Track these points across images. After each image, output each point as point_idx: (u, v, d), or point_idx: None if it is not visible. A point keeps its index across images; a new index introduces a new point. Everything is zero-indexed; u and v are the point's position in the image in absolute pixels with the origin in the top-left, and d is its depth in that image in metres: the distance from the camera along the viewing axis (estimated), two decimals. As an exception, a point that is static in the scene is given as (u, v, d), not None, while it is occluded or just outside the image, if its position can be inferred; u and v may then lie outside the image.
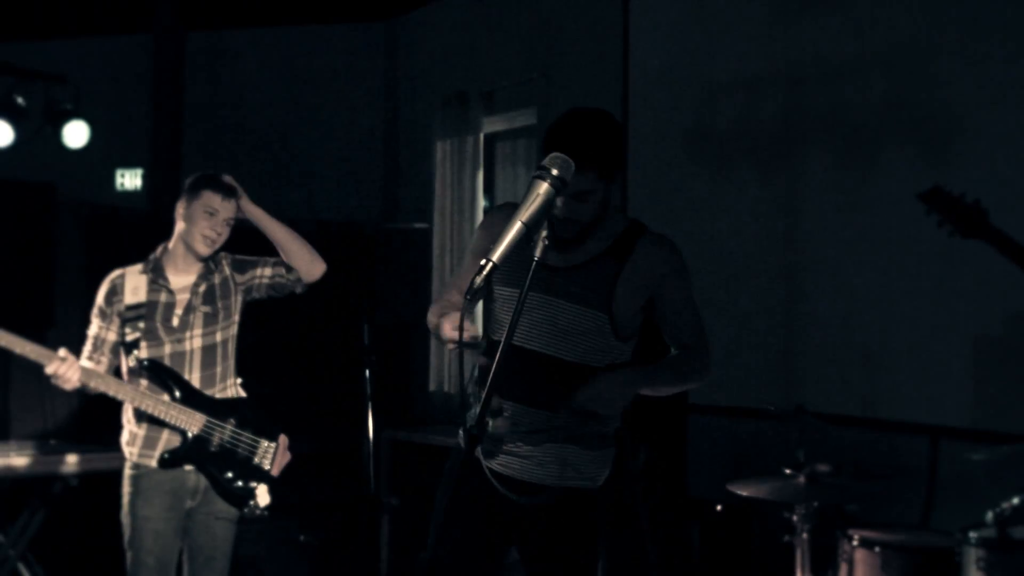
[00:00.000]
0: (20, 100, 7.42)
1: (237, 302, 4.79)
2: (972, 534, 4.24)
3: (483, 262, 2.80)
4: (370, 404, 5.83)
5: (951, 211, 4.02)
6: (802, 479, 4.75)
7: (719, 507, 5.57)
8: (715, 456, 6.10)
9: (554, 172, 2.89)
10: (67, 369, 4.40)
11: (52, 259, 7.43)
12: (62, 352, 4.42)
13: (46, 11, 9.11)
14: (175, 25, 8.68)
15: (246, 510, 4.71)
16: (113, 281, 4.69)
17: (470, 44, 8.40)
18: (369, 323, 6.00)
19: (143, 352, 4.59)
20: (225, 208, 4.65)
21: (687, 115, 6.70)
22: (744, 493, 4.75)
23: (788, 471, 4.79)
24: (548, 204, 2.89)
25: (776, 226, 6.18)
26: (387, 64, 9.21)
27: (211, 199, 4.61)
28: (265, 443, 4.76)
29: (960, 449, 5.00)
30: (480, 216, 8.18)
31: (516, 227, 2.83)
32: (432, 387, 8.11)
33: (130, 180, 9.35)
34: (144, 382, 4.60)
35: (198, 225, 4.61)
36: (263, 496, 4.75)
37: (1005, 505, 4.24)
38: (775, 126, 6.25)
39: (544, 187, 2.88)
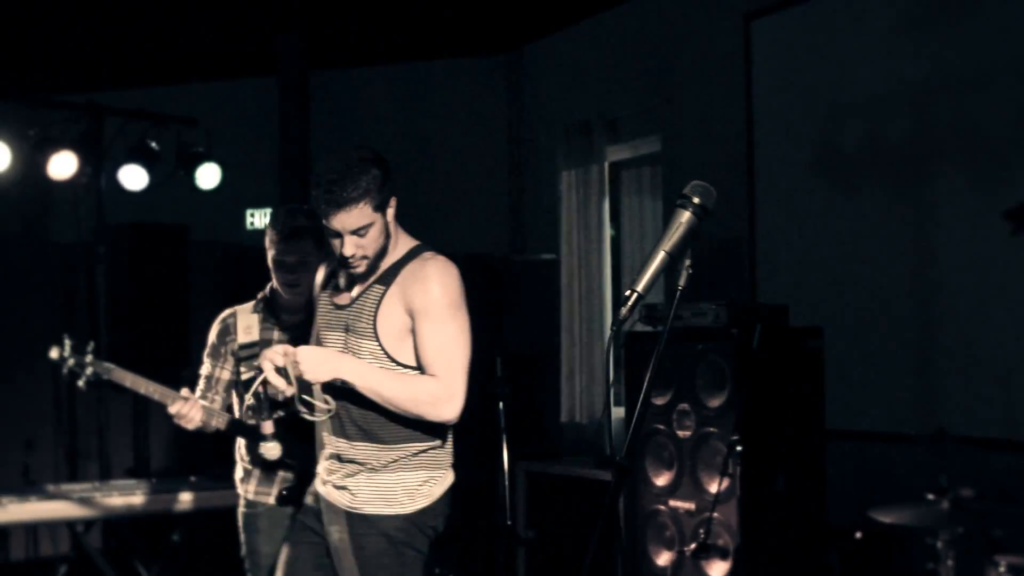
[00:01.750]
0: (154, 144, 7.57)
1: None
2: None
3: (628, 292, 2.78)
4: (504, 436, 5.84)
5: None
6: (946, 504, 4.64)
7: (859, 534, 5.47)
8: (854, 482, 6.01)
9: (695, 200, 2.87)
10: (189, 408, 4.42)
11: (186, 299, 7.58)
12: (184, 392, 4.46)
13: (176, 57, 9.32)
14: (300, 65, 8.81)
15: None
16: (225, 320, 4.73)
17: (592, 73, 8.41)
18: (501, 355, 6.01)
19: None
20: (292, 256, 4.53)
21: (813, 136, 6.64)
22: (885, 520, 4.65)
23: (931, 496, 4.68)
24: (691, 232, 2.87)
25: (907, 246, 6.09)
26: (510, 96, 9.25)
27: (282, 249, 4.53)
28: None
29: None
30: (608, 245, 8.17)
31: (660, 256, 2.82)
32: (564, 418, 8.09)
33: (260, 219, 9.50)
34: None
35: (273, 274, 4.61)
36: None
37: None
38: (903, 144, 6.16)
39: (686, 215, 2.87)
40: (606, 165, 8.14)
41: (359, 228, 3.74)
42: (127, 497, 6.21)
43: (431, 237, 5.84)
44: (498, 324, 7.88)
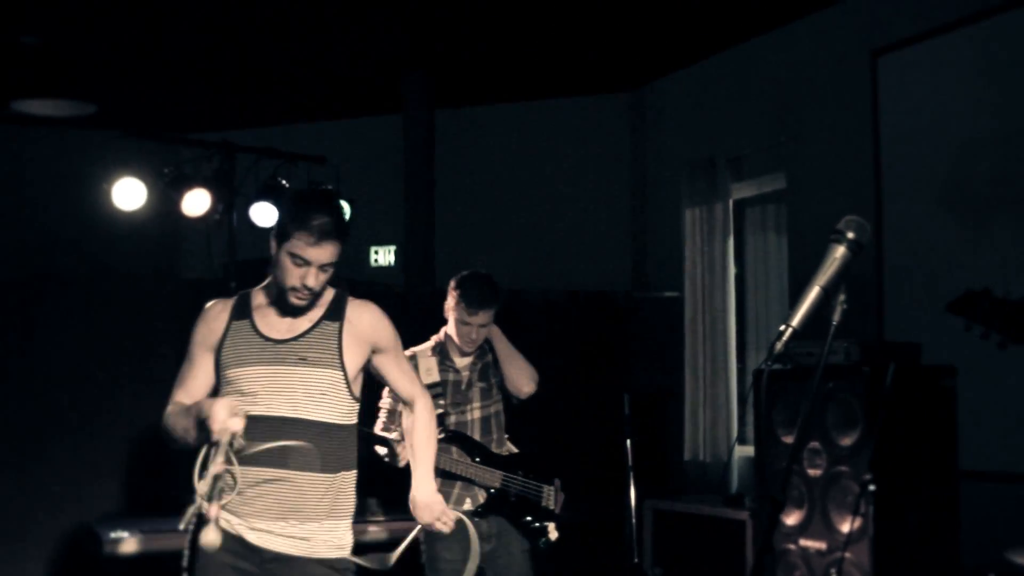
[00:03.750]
0: (284, 182, 7.68)
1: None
2: None
3: (783, 328, 2.79)
4: (631, 473, 5.85)
5: (994, 317, 3.50)
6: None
7: (992, 576, 5.39)
8: (989, 523, 5.91)
9: (849, 235, 2.87)
10: (405, 451, 4.86)
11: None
12: (395, 435, 5.04)
13: (306, 96, 9.49)
14: (425, 103, 8.91)
15: (542, 543, 5.27)
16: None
17: (716, 111, 8.41)
18: (629, 392, 6.03)
19: (450, 423, 5.17)
20: (476, 319, 5.22)
21: (941, 172, 6.57)
22: (1023, 562, 4.58)
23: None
24: (845, 267, 2.87)
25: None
26: (633, 133, 9.28)
27: (463, 313, 5.21)
28: (547, 488, 5.34)
29: None
30: (731, 283, 8.15)
31: (815, 292, 2.82)
32: (687, 456, 8.07)
33: (384, 256, 9.61)
34: (454, 448, 5.18)
35: (456, 331, 5.26)
36: (553, 531, 5.30)
37: None
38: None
39: (841, 250, 2.87)
40: (730, 202, 8.12)
41: (329, 263, 3.84)
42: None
43: (554, 275, 5.91)
44: (623, 362, 7.90)
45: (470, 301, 5.19)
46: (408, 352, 5.04)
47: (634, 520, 5.80)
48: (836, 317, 2.87)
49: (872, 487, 5.26)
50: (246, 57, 8.54)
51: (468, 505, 5.19)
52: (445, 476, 5.13)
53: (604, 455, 6.01)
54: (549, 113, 9.50)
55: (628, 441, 5.86)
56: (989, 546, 5.00)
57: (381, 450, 5.08)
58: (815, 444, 5.57)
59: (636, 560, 5.88)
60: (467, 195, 9.40)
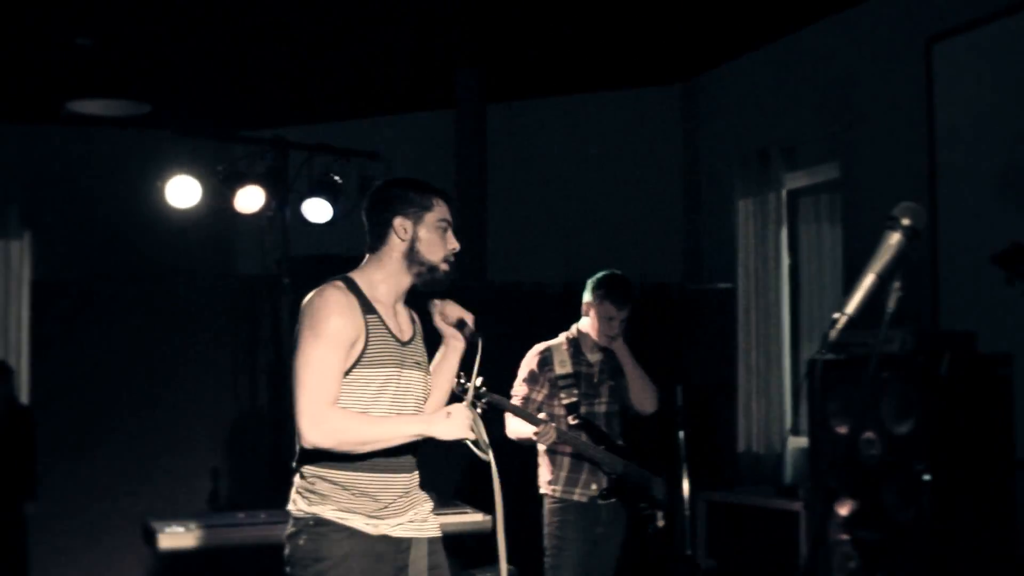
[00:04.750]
0: (337, 178, 7.71)
1: None
2: None
3: (837, 315, 2.78)
4: (685, 465, 5.85)
5: None
6: None
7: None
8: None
9: (904, 222, 2.86)
10: (549, 430, 5.42)
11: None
12: (542, 415, 5.50)
13: (358, 92, 9.54)
14: (477, 98, 8.94)
15: (651, 528, 5.73)
16: (543, 354, 5.71)
17: (769, 100, 8.37)
18: (681, 384, 6.03)
19: (583, 411, 5.62)
20: (620, 314, 5.66)
21: (998, 160, 6.51)
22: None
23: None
24: (901, 254, 2.85)
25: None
26: (686, 124, 9.26)
27: (610, 309, 5.64)
28: (656, 478, 5.79)
29: None
30: (785, 274, 8.11)
31: (870, 279, 2.81)
32: (741, 448, 8.04)
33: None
34: (583, 434, 5.62)
35: (599, 326, 5.67)
36: (660, 519, 5.73)
37: None
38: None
39: (896, 237, 2.85)
40: (784, 193, 8.08)
41: None
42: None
43: (606, 267, 5.94)
44: (676, 354, 7.89)
45: (616, 297, 5.63)
46: (543, 345, 5.73)
47: (688, 511, 5.81)
48: (891, 305, 2.85)
49: (927, 477, 5.24)
50: (298, 54, 8.59)
51: (594, 488, 5.61)
52: (576, 458, 5.60)
53: (658, 447, 6.01)
54: (601, 106, 9.49)
55: (680, 433, 5.87)
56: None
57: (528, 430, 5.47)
58: (870, 434, 5.54)
59: (689, 551, 5.89)
60: (519, 189, 9.41)
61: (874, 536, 5.54)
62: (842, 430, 5.68)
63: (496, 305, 7.26)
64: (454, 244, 3.90)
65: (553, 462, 5.66)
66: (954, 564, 5.35)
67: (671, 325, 7.97)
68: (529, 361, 5.75)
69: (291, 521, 3.80)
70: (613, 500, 5.65)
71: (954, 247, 6.70)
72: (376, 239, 3.91)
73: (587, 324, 5.76)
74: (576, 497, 5.61)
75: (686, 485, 5.81)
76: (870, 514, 5.57)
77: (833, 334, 2.77)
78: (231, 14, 7.69)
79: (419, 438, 3.74)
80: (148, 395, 7.62)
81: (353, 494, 3.73)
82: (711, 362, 8.19)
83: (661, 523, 5.75)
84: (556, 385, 5.65)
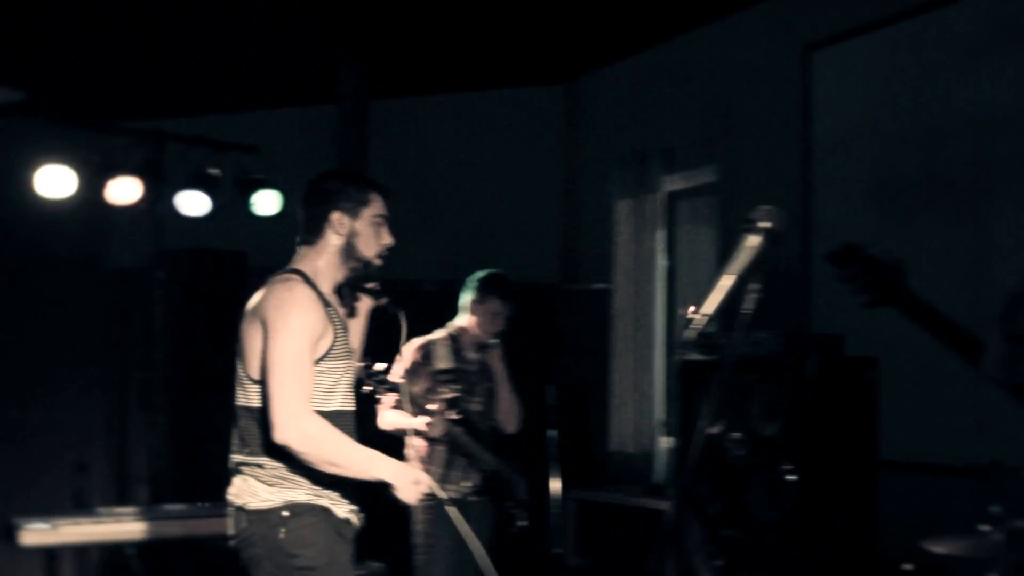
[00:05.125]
0: (214, 171, 7.64)
1: None
2: None
3: (692, 315, 2.81)
4: (556, 464, 5.88)
5: (866, 275, 3.25)
6: (1000, 535, 4.62)
7: (908, 566, 5.45)
8: (908, 514, 5.98)
9: (763, 224, 2.89)
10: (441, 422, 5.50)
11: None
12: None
13: (239, 85, 9.43)
14: (359, 94, 8.88)
15: (517, 526, 5.83)
16: (424, 347, 5.76)
17: (649, 103, 8.43)
18: (554, 383, 6.06)
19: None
20: (505, 311, 5.85)
21: (871, 166, 6.63)
22: (937, 551, 4.63)
23: (984, 528, 4.65)
24: (759, 256, 2.89)
25: (964, 275, 6.07)
26: (566, 125, 9.30)
27: (495, 305, 5.83)
28: (522, 479, 5.87)
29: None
30: (661, 275, 8.18)
31: (726, 280, 2.84)
32: (613, 447, 8.09)
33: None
34: (462, 430, 5.69)
35: (483, 322, 5.84)
36: (523, 518, 5.83)
37: None
38: (961, 175, 6.15)
39: (754, 239, 2.89)
40: (661, 195, 8.16)
41: None
42: (177, 521, 6.25)
43: (484, 266, 5.97)
44: (550, 353, 7.91)
45: (501, 294, 5.83)
46: (423, 340, 5.75)
47: (555, 511, 5.85)
48: (748, 306, 2.88)
49: (792, 477, 5.31)
50: (178, 45, 8.46)
51: (466, 485, 5.76)
52: (451, 454, 5.71)
53: (529, 447, 6.04)
54: (484, 104, 9.48)
55: (552, 432, 5.91)
56: (906, 536, 5.07)
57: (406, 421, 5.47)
58: (738, 435, 5.61)
59: (557, 551, 5.93)
60: (400, 186, 9.31)
61: (739, 535, 5.60)
62: (712, 430, 5.74)
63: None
64: (388, 239, 3.96)
65: (426, 457, 5.70)
66: (817, 563, 5.43)
67: (547, 325, 8.00)
68: (409, 354, 5.71)
69: (246, 515, 3.76)
70: (483, 497, 5.72)
71: (826, 251, 6.78)
72: (311, 233, 3.92)
73: (467, 321, 5.84)
74: (449, 494, 5.60)
75: (557, 484, 5.84)
76: (736, 514, 5.64)
77: (688, 334, 2.80)
78: (109, 2, 7.56)
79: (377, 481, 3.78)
80: (14, 390, 7.47)
81: (319, 477, 3.74)
82: (585, 362, 8.23)
83: (524, 523, 5.80)
84: (436, 379, 5.68)
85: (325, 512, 3.78)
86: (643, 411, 7.98)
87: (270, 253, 8.38)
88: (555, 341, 8.14)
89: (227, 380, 7.30)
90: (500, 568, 6.00)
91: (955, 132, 6.19)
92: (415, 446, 5.64)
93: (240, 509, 3.78)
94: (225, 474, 3.92)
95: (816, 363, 5.42)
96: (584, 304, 8.42)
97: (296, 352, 3.69)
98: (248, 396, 3.81)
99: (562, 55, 8.73)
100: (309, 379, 3.71)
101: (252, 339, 3.78)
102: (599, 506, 7.01)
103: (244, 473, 3.79)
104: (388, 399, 5.48)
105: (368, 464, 3.77)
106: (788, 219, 3.01)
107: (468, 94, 9.50)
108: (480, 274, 5.90)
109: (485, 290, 5.84)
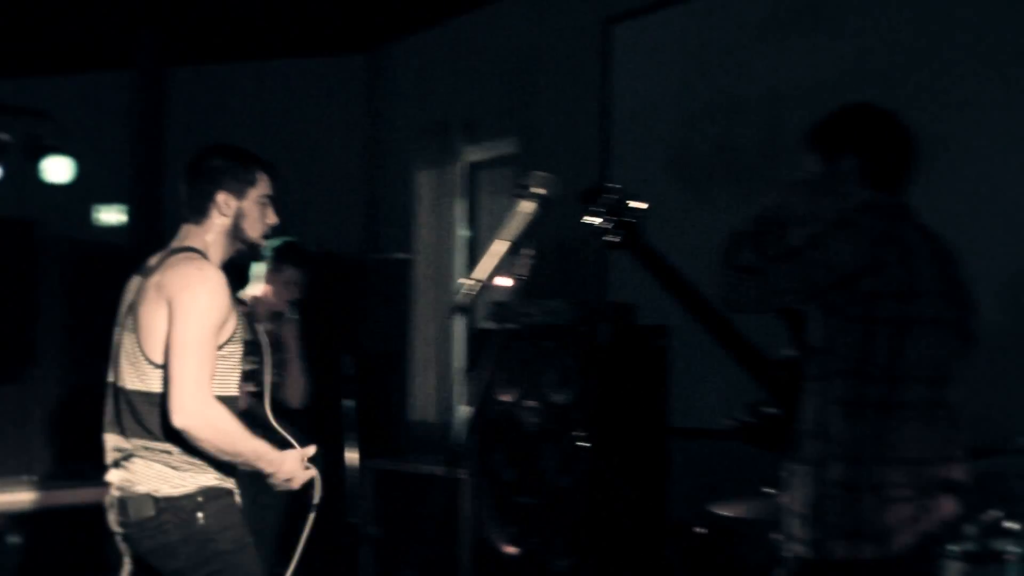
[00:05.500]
0: (3, 136, 7.41)
1: None
2: (953, 548, 4.25)
3: (465, 281, 2.82)
4: (353, 435, 5.87)
5: (611, 216, 3.33)
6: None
7: (699, 530, 5.58)
8: (697, 479, 6.12)
9: (536, 190, 2.92)
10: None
11: (33, 296, 7.41)
12: None
13: (30, 48, 9.15)
14: (157, 61, 8.71)
15: (309, 498, 5.47)
16: None
17: (451, 74, 8.43)
18: (353, 353, 6.04)
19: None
20: (300, 279, 5.84)
21: (669, 139, 6.74)
22: (724, 514, 4.75)
23: (768, 490, 4.79)
24: (533, 222, 2.92)
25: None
26: (368, 95, 9.24)
27: (292, 274, 5.83)
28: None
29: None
30: (461, 245, 8.21)
31: (500, 245, 2.85)
32: (414, 417, 8.11)
33: (111, 215, 9.35)
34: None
35: (279, 291, 5.81)
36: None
37: (984, 518, 4.25)
38: (757, 148, 6.30)
39: (527, 205, 2.91)
40: (462, 166, 8.18)
41: None
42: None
43: (285, 235, 5.91)
44: (351, 323, 7.88)
45: (297, 262, 5.81)
46: None
47: (352, 481, 5.84)
48: (524, 271, 2.91)
49: (584, 444, 5.40)
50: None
51: None
52: (252, 425, 5.31)
53: (326, 417, 6.01)
54: (285, 73, 9.38)
55: (346, 402, 5.90)
56: (697, 500, 5.20)
57: None
58: (532, 403, 5.67)
59: (354, 520, 5.92)
60: (200, 155, 9.21)
61: (532, 502, 5.67)
62: (507, 398, 5.79)
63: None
64: (273, 218, 3.86)
65: None
66: (609, 527, 5.53)
67: (348, 295, 7.95)
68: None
69: (155, 502, 3.62)
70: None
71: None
72: (196, 212, 3.79)
73: (261, 291, 5.76)
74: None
75: (353, 454, 5.83)
76: (530, 481, 5.70)
77: (462, 300, 2.81)
78: None
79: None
80: None
81: (221, 462, 3.68)
82: (386, 332, 8.20)
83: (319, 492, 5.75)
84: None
85: (231, 495, 3.73)
86: (444, 380, 8.01)
87: (61, 221, 8.26)
88: (357, 311, 8.09)
89: (16, 350, 7.15)
90: (296, 540, 5.98)
91: (751, 106, 6.33)
92: None
93: (147, 496, 3.62)
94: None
95: (607, 331, 5.50)
96: (386, 274, 8.37)
97: (204, 336, 3.58)
98: (147, 381, 3.64)
99: (364, 24, 8.67)
100: (213, 364, 3.61)
101: (153, 319, 3.62)
102: (397, 475, 7.00)
103: (147, 459, 3.64)
104: None
105: (257, 455, 3.72)
106: (562, 185, 3.04)
107: (269, 62, 9.39)
108: (274, 242, 5.79)
109: (280, 259, 5.76)
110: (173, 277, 3.61)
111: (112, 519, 3.72)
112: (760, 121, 6.28)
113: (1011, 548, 4.00)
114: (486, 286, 2.81)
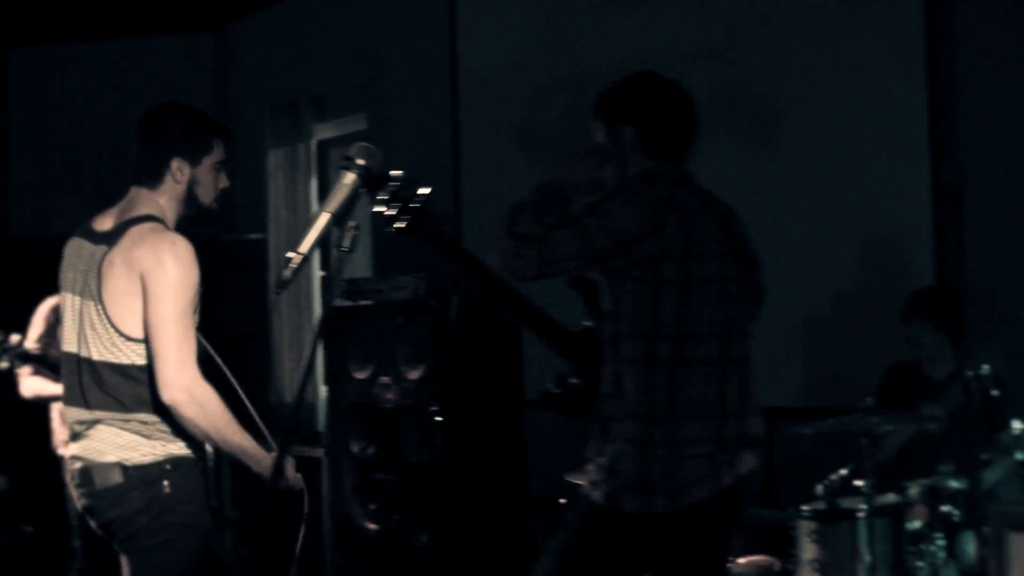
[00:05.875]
0: None
1: None
2: (804, 507, 4.34)
3: (289, 254, 2.79)
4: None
5: (397, 200, 3.25)
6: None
7: (562, 500, 5.61)
8: (557, 450, 6.15)
9: (359, 162, 2.90)
10: None
11: None
12: None
13: None
14: (-3, 41, 8.52)
15: None
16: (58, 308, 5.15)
17: (299, 51, 8.34)
18: (210, 336, 5.94)
19: None
20: None
21: (517, 113, 6.76)
22: (582, 482, 4.78)
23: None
24: (355, 194, 2.90)
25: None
26: (217, 74, 9.11)
27: None
28: None
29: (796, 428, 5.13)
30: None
31: (323, 218, 2.83)
32: (273, 398, 8.04)
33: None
34: None
35: None
36: None
37: (833, 477, 4.35)
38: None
39: (350, 177, 2.90)
40: (314, 143, 8.12)
41: None
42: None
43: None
44: (209, 305, 7.77)
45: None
46: (56, 299, 5.02)
47: (210, 464, 5.75)
48: (347, 243, 2.88)
49: (439, 419, 5.39)
50: None
51: None
52: None
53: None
54: (131, 53, 9.16)
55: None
56: (558, 471, 5.23)
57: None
58: (386, 379, 5.65)
59: (214, 503, 5.83)
60: (45, 138, 9.01)
61: (392, 478, 5.66)
62: (360, 375, 5.77)
63: (17, 260, 6.96)
64: (225, 182, 3.83)
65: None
66: (469, 500, 5.54)
67: (204, 277, 7.84)
68: (44, 315, 5.45)
69: (123, 470, 3.56)
70: None
71: (476, 195, 6.90)
72: (149, 176, 3.75)
73: None
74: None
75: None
76: (388, 457, 5.69)
77: (286, 273, 2.79)
78: None
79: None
80: None
81: (190, 434, 3.65)
82: (244, 313, 8.12)
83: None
84: None
85: (196, 464, 3.73)
86: (302, 361, 7.95)
87: None
88: (214, 293, 7.98)
89: None
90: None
91: (598, 77, 6.34)
92: (61, 411, 5.44)
93: (115, 465, 3.57)
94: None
95: (458, 305, 5.49)
96: (241, 255, 8.30)
97: (182, 310, 3.58)
98: (118, 354, 3.59)
99: (211, 2, 8.54)
100: (193, 338, 3.64)
101: (125, 293, 3.56)
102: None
103: (117, 428, 3.59)
104: (26, 369, 5.28)
105: (242, 446, 3.74)
106: (384, 157, 3.02)
107: (115, 42, 9.19)
108: None
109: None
110: (145, 252, 3.56)
111: (74, 492, 3.69)
112: (606, 92, 6.31)
113: (860, 505, 4.12)
114: (308, 259, 2.77)
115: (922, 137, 5.20)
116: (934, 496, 4.36)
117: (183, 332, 3.57)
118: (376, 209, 3.12)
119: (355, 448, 5.80)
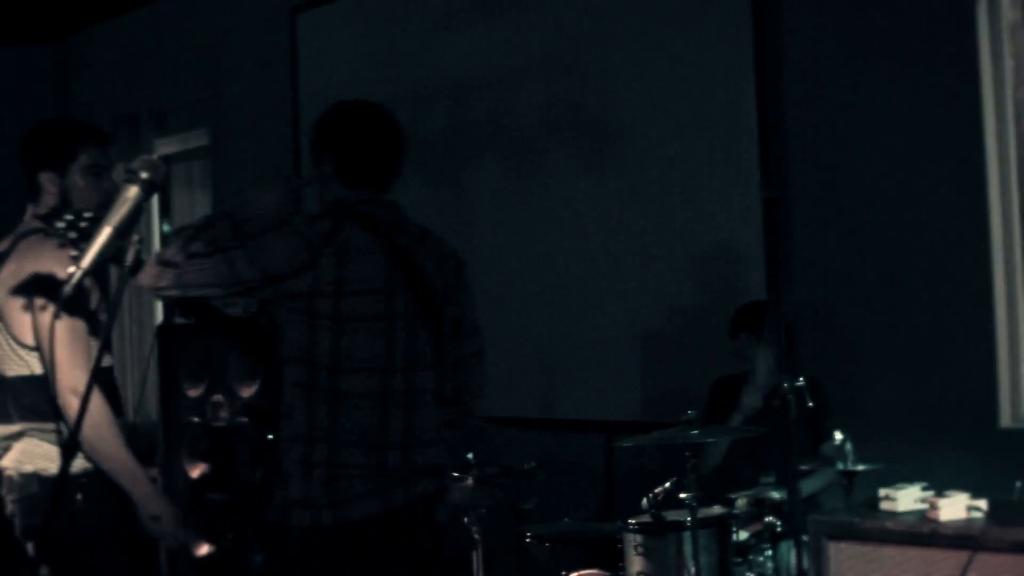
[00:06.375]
0: None
1: None
2: (631, 521, 4.35)
3: (71, 269, 2.72)
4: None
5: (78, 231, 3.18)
6: (471, 481, 4.80)
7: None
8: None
9: (143, 175, 2.84)
10: None
11: None
12: None
13: None
14: None
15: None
16: None
17: (140, 65, 8.27)
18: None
19: None
20: None
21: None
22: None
23: (456, 474, 4.81)
24: (138, 208, 2.84)
25: (448, 231, 6.24)
26: (56, 87, 8.97)
27: None
28: None
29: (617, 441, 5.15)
30: (159, 239, 8.04)
31: (105, 232, 2.76)
32: (122, 419, 7.90)
33: None
34: None
35: None
36: None
37: (658, 490, 4.35)
38: (442, 136, 6.33)
39: (133, 190, 2.83)
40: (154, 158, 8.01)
41: None
42: None
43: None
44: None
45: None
46: None
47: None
48: (129, 259, 2.82)
49: (271, 437, 5.32)
50: None
51: None
52: None
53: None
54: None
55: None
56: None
57: None
58: (218, 397, 5.57)
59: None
60: None
61: (225, 498, 5.57)
62: (193, 393, 5.69)
63: None
64: (109, 183, 3.73)
65: None
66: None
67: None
68: None
69: (40, 481, 3.60)
70: None
71: (316, 211, 6.84)
72: (31, 193, 3.77)
73: None
74: None
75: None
76: (222, 476, 5.60)
77: (67, 289, 2.72)
78: None
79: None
80: None
81: None
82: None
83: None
84: None
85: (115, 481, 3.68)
86: (149, 380, 7.83)
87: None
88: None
89: None
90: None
91: (437, 95, 6.36)
92: None
93: (33, 475, 3.61)
94: None
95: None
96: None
97: (84, 331, 3.60)
98: (27, 365, 3.61)
99: (52, 13, 8.39)
100: (85, 342, 3.61)
101: (15, 305, 3.58)
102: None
103: (37, 439, 3.62)
104: None
105: (134, 476, 3.74)
106: (167, 169, 2.98)
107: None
108: None
109: None
110: (30, 263, 3.58)
111: (6, 496, 3.72)
112: (445, 110, 6.33)
113: (685, 518, 4.13)
114: (89, 274, 2.70)
115: (752, 154, 5.26)
116: (759, 507, 4.39)
117: (67, 338, 3.54)
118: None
119: (188, 467, 5.70)
